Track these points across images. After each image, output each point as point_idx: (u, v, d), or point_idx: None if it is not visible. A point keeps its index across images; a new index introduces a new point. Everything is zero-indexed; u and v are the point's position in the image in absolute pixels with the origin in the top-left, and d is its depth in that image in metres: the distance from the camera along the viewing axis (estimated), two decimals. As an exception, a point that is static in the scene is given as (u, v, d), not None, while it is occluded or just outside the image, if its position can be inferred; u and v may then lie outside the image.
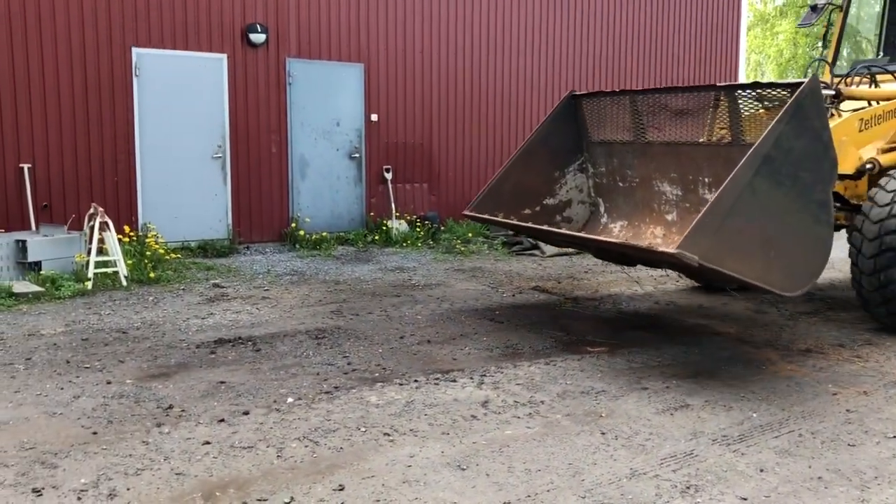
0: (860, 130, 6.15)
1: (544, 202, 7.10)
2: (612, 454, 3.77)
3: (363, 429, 4.03)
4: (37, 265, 7.66)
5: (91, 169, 9.27)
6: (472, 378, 4.90)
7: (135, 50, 9.37)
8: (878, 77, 6.88)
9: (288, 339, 5.80)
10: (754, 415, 4.34)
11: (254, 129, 10.24)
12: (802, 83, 4.80)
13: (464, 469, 3.58)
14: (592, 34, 12.91)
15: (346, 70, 10.85)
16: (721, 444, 3.93)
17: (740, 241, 4.65)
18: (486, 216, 6.76)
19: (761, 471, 3.62)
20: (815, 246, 4.89)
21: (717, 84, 5.85)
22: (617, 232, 6.86)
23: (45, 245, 7.72)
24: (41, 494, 3.26)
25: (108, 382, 4.72)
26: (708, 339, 5.99)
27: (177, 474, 3.47)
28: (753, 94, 5.42)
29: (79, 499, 3.23)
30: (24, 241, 7.61)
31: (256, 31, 9.94)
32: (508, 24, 12.13)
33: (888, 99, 6.55)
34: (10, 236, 7.80)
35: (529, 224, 6.67)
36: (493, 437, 3.97)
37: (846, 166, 5.96)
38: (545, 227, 6.53)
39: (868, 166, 6.18)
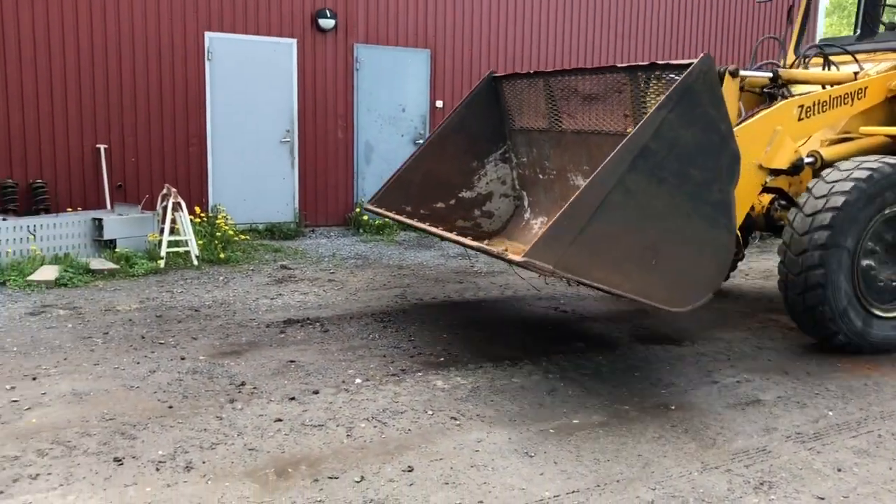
0: (800, 119, 5.36)
1: (460, 195, 6.50)
2: (681, 447, 3.72)
3: (430, 412, 4.05)
4: (112, 243, 7.90)
5: (164, 150, 9.50)
6: (537, 366, 4.88)
7: (207, 34, 9.54)
8: (841, 59, 6.18)
9: (354, 321, 5.87)
10: (830, 413, 4.23)
11: (321, 114, 10.35)
12: (691, 63, 4.17)
13: (531, 456, 3.57)
14: (675, 14, 12.65)
15: (413, 56, 10.87)
16: (795, 441, 3.83)
17: (611, 247, 4.03)
18: (382, 210, 6.21)
19: (839, 470, 3.52)
20: (710, 254, 4.24)
21: (619, 65, 5.26)
22: (537, 229, 6.24)
23: (120, 224, 7.95)
24: (122, 464, 3.37)
25: (182, 358, 4.85)
26: (780, 335, 5.85)
27: (250, 449, 3.55)
28: (652, 76, 4.87)
29: (157, 469, 3.33)
30: (100, 220, 7.86)
31: (326, 17, 10.02)
32: (577, 5, 11.97)
33: (836, 83, 5.78)
34: (87, 214, 8.05)
35: (426, 225, 5.87)
36: (560, 425, 3.95)
37: (780, 160, 5.20)
38: (424, 225, 5.85)
39: (808, 160, 5.44)
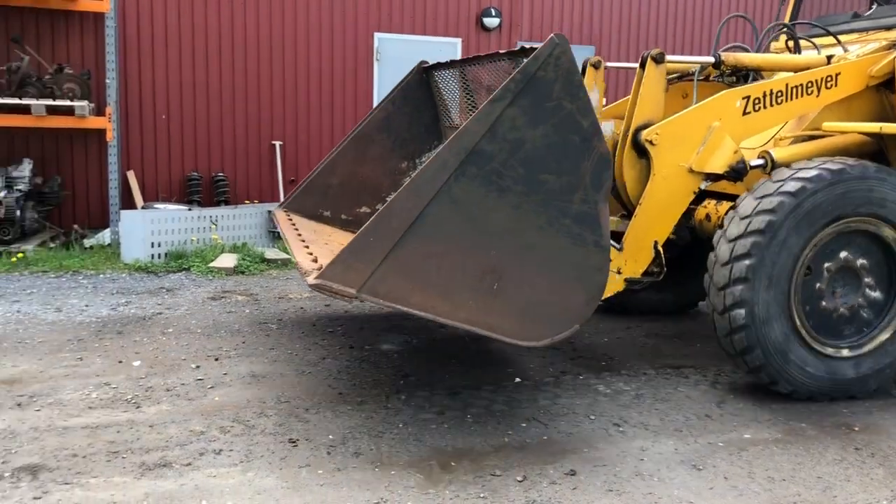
0: (746, 112, 4.49)
1: (387, 199, 5.85)
2: (867, 472, 3.45)
3: (592, 416, 3.99)
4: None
5: (333, 147, 9.91)
6: (704, 376, 4.69)
7: (377, 35, 9.86)
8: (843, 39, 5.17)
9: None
10: None
11: (482, 112, 10.43)
12: (536, 48, 3.47)
13: (700, 469, 3.43)
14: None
15: (577, 53, 10.71)
16: None
17: (436, 269, 3.37)
18: (291, 215, 5.69)
19: None
20: (575, 277, 3.54)
21: (502, 51, 4.60)
22: None
23: (292, 216, 8.38)
24: (296, 445, 3.54)
25: (351, 347, 5.04)
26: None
27: (414, 440, 3.63)
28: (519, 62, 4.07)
29: (328, 453, 3.47)
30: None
31: (491, 16, 10.09)
32: None
33: (802, 69, 4.78)
34: (262, 207, 8.55)
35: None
36: (730, 438, 3.77)
37: (715, 163, 4.37)
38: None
39: (756, 162, 4.49)
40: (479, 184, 3.39)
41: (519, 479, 3.29)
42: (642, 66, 4.49)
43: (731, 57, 4.83)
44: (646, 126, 4.40)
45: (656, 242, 4.39)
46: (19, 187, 7.69)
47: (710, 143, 4.36)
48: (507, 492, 3.17)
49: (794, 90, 4.60)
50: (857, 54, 4.93)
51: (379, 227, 3.32)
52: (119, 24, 8.52)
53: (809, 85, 4.64)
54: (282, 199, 9.41)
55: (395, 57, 9.96)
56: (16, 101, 7.62)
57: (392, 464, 3.39)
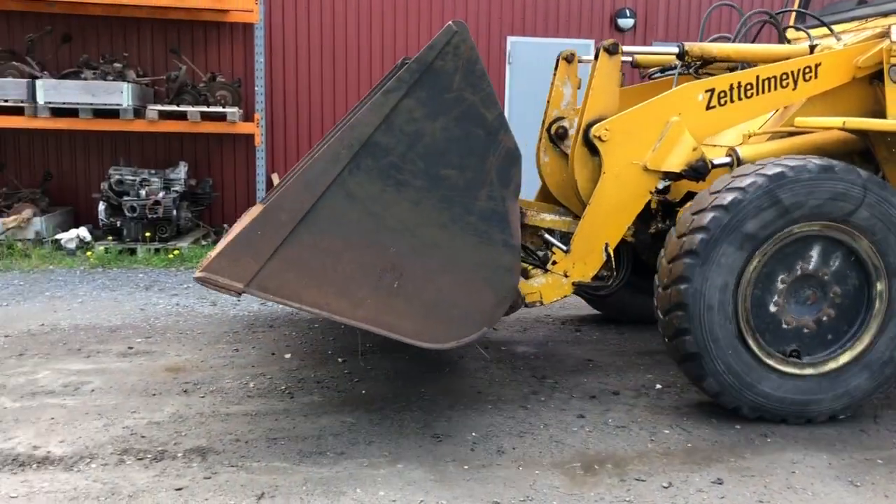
0: (709, 107, 4.16)
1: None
2: None
3: (738, 426, 3.89)
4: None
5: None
6: (857, 388, 4.48)
7: (509, 38, 9.94)
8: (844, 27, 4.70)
9: (649, 327, 5.80)
10: None
11: (614, 114, 10.33)
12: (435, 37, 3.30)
13: (857, 486, 3.30)
14: None
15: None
16: None
17: (331, 265, 3.27)
18: None
19: None
20: (482, 278, 3.40)
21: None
22: None
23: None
24: (440, 440, 3.65)
25: (486, 347, 5.13)
26: None
27: (555, 442, 3.67)
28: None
29: (472, 450, 3.56)
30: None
31: (625, 16, 9.96)
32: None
33: (773, 61, 4.36)
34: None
35: None
36: (890, 455, 3.60)
37: (673, 160, 4.08)
38: None
39: (722, 160, 4.17)
40: (375, 177, 3.29)
41: (664, 485, 3.26)
42: (596, 57, 4.27)
43: (696, 47, 4.48)
44: (598, 121, 4.17)
45: (607, 245, 4.18)
46: (176, 188, 8.25)
47: (667, 139, 4.09)
48: (652, 497, 3.16)
49: (766, 83, 4.22)
50: (844, 44, 4.53)
51: (267, 220, 3.23)
52: (266, 34, 8.98)
53: (784, 77, 4.24)
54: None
55: (527, 60, 10.00)
56: (174, 107, 8.18)
57: (535, 464, 3.44)
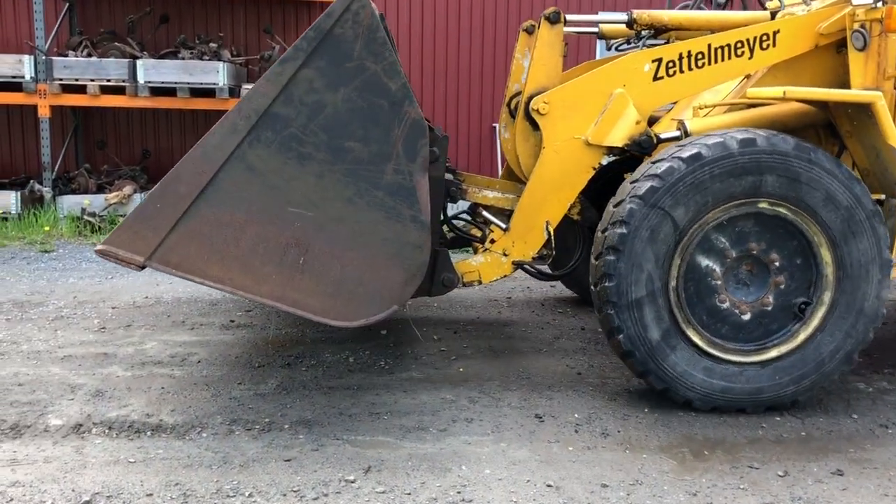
0: (657, 77, 3.90)
1: None
2: None
3: (854, 415, 3.72)
4: (505, 215, 8.49)
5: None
6: (982, 380, 4.23)
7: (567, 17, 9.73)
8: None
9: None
10: None
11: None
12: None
13: None
14: None
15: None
16: None
17: (234, 240, 3.18)
18: None
19: None
20: (391, 254, 3.26)
21: None
22: None
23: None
24: (542, 421, 3.60)
25: (582, 329, 5.05)
26: None
27: (662, 425, 3.57)
28: None
29: (576, 431, 3.50)
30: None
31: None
32: None
33: (725, 28, 4.06)
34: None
35: None
36: None
37: (615, 135, 3.88)
38: None
39: (670, 134, 3.91)
40: (276, 150, 3.20)
41: (780, 473, 3.14)
42: (538, 26, 4.07)
43: (644, 14, 4.25)
44: (539, 94, 3.99)
45: (548, 223, 4.00)
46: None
47: (610, 111, 3.89)
48: (768, 486, 3.04)
49: (719, 51, 3.95)
50: (809, 10, 4.16)
51: (166, 192, 3.17)
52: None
53: (739, 45, 3.96)
54: (501, 180, 9.59)
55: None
56: (267, 87, 8.29)
57: (642, 447, 3.35)
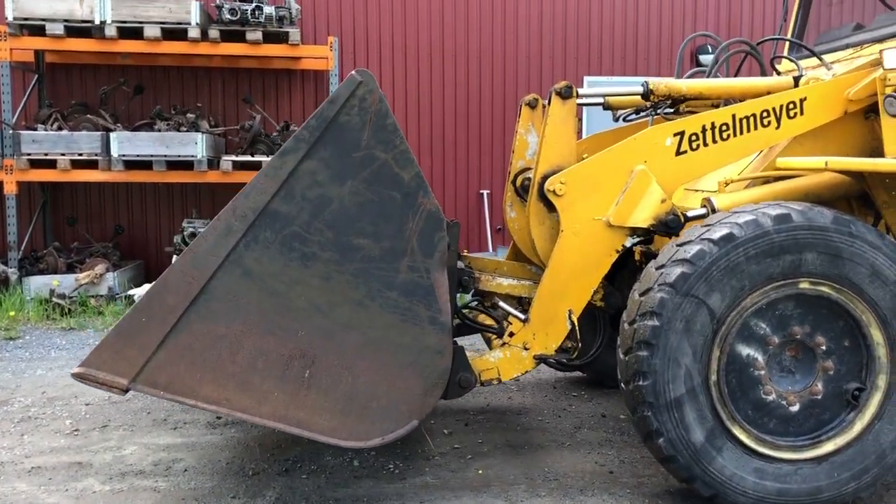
0: (679, 152, 3.67)
1: None
2: None
3: None
4: (498, 285, 8.13)
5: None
6: None
7: (586, 79, 9.59)
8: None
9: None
10: None
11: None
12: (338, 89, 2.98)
13: None
14: None
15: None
16: None
17: (230, 355, 2.89)
18: None
19: None
20: (408, 362, 2.99)
21: None
22: None
23: (507, 267, 8.17)
24: None
25: (603, 416, 4.66)
26: None
27: None
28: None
29: None
30: (489, 263, 8.14)
31: (707, 52, 9.56)
32: None
33: (752, 96, 3.88)
34: (475, 255, 8.39)
35: None
36: None
37: (639, 215, 3.61)
38: None
39: (696, 212, 3.67)
40: (276, 251, 2.92)
41: None
42: (549, 102, 3.83)
43: (662, 85, 3.97)
44: (553, 174, 3.72)
45: (570, 312, 3.66)
46: (249, 240, 7.98)
47: (632, 190, 3.61)
48: None
49: (744, 122, 3.71)
50: (834, 74, 4.02)
51: (153, 304, 2.88)
52: (339, 82, 8.78)
53: (765, 115, 3.73)
54: (490, 248, 9.28)
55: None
56: (249, 157, 7.97)
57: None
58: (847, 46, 4.49)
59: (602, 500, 3.51)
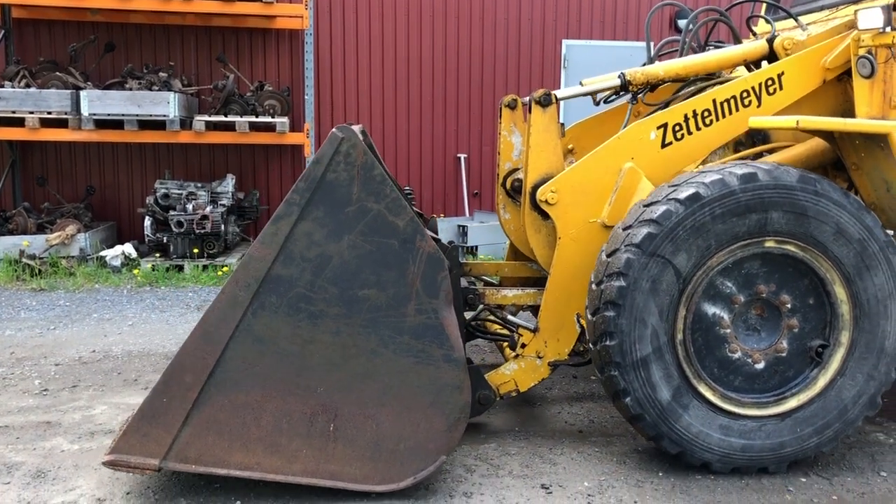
0: (665, 144, 3.66)
1: None
2: None
3: (883, 473, 3.44)
4: (474, 249, 8.15)
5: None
6: None
7: (564, 42, 9.53)
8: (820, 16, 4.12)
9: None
10: None
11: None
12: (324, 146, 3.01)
13: None
14: None
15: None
16: None
17: (254, 420, 2.98)
18: None
19: None
20: (429, 402, 3.05)
21: None
22: None
23: (483, 231, 8.18)
24: (550, 492, 3.24)
25: (574, 377, 4.70)
26: None
27: (682, 493, 3.24)
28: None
29: (588, 503, 3.14)
30: (465, 227, 8.14)
31: (686, 17, 9.51)
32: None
33: (729, 66, 3.98)
34: (453, 221, 8.40)
35: None
36: None
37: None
38: None
39: None
40: (284, 314, 2.99)
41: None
42: (529, 110, 3.80)
43: (639, 74, 3.96)
44: (543, 182, 3.70)
45: (578, 316, 3.65)
46: (223, 202, 7.92)
47: (622, 189, 3.59)
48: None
49: (725, 105, 3.70)
50: (808, 34, 3.98)
51: (170, 385, 2.95)
52: (314, 41, 8.65)
53: (745, 95, 3.72)
54: (466, 212, 9.26)
55: (582, 63, 9.59)
56: (222, 118, 7.86)
57: (666, 522, 3.01)
58: (822, 8, 4.39)
59: (571, 458, 3.55)
